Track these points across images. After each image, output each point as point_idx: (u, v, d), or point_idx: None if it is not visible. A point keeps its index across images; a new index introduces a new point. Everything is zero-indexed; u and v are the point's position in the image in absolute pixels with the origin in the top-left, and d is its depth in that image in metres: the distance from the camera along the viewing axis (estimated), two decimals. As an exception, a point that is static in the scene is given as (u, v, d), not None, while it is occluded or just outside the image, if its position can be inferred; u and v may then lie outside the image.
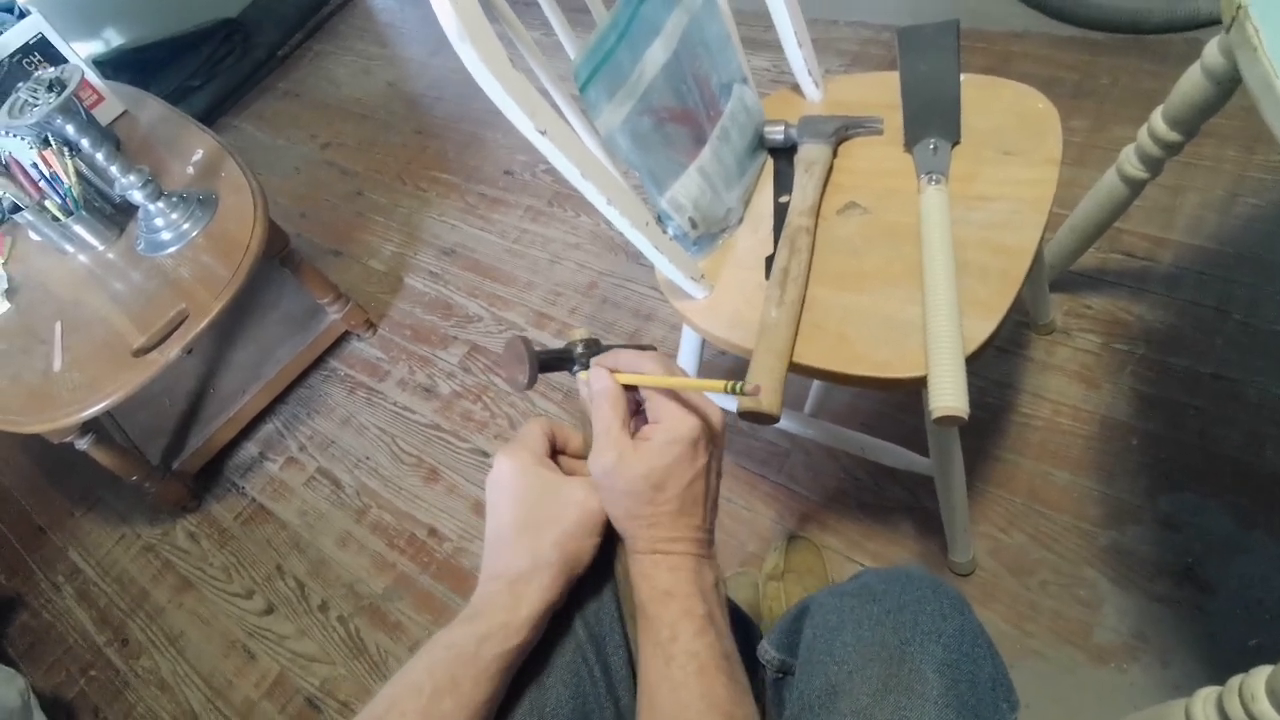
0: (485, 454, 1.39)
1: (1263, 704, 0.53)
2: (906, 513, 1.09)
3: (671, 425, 0.47)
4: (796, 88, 0.94)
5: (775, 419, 0.67)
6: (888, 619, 0.50)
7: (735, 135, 0.85)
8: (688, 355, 0.97)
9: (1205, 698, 0.62)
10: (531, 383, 0.51)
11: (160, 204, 1.25)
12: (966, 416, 0.62)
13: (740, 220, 0.87)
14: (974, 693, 0.46)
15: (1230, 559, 0.95)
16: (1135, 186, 0.96)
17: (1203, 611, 0.93)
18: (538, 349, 0.52)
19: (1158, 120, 0.87)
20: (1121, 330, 1.17)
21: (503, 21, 0.63)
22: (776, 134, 0.88)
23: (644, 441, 0.47)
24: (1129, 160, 0.93)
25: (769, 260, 0.79)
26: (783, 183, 0.88)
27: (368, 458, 1.45)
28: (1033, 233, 0.74)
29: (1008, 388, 1.16)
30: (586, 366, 0.53)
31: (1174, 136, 0.86)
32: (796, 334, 0.73)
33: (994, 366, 1.18)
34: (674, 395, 0.48)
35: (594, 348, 0.54)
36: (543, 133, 0.61)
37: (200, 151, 1.40)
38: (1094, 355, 1.15)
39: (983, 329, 0.68)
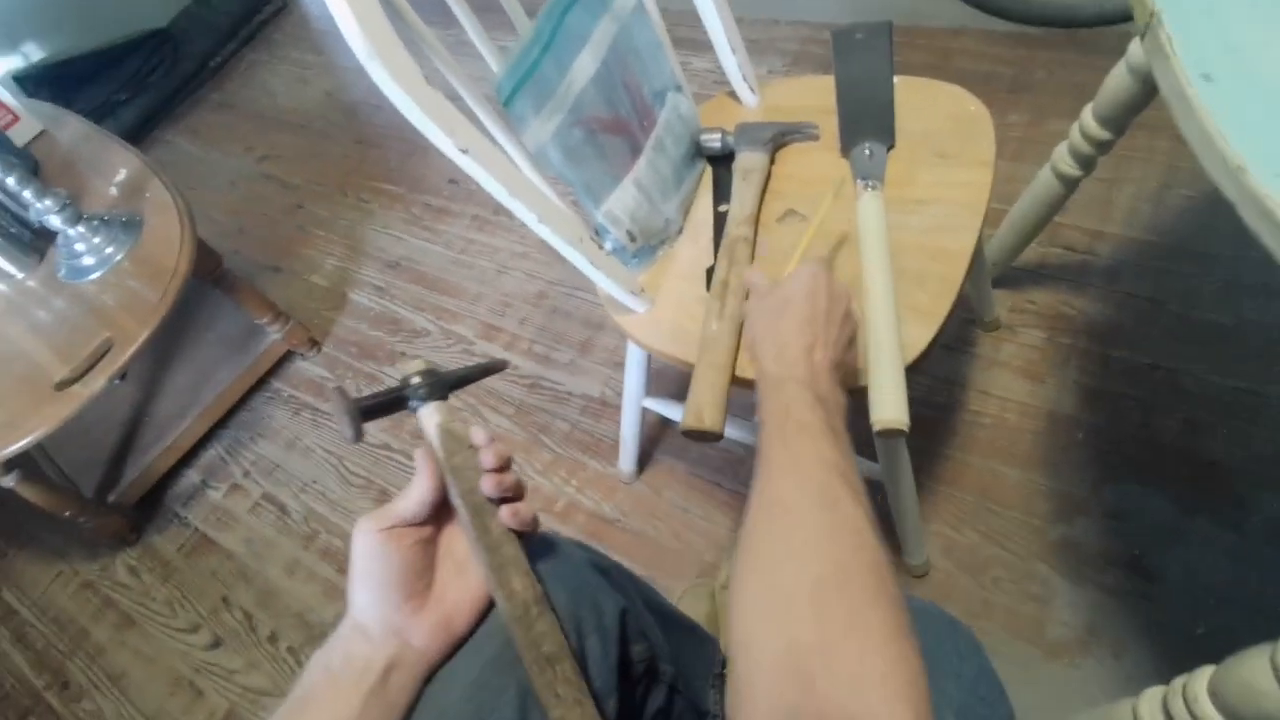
0: (437, 472, 1.35)
1: (1205, 705, 0.53)
2: (861, 515, 1.09)
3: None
4: (734, 94, 0.93)
5: (719, 437, 0.66)
6: None
7: (670, 145, 0.83)
8: (634, 367, 0.95)
9: (1150, 697, 0.62)
10: (358, 435, 0.49)
11: (80, 228, 1.20)
12: (907, 429, 0.61)
13: (680, 230, 0.85)
14: None
15: (1173, 546, 0.97)
16: (1070, 183, 0.96)
17: (1151, 601, 0.94)
18: (364, 396, 0.49)
19: (1088, 119, 0.88)
20: (1064, 324, 1.18)
21: (417, 37, 0.61)
22: (713, 142, 0.87)
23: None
24: (1063, 158, 0.94)
25: (710, 271, 0.78)
26: (722, 191, 0.87)
27: (315, 481, 1.40)
28: (969, 235, 0.73)
29: (955, 385, 1.17)
30: (426, 400, 0.51)
31: (1105, 135, 0.87)
32: (738, 346, 0.71)
33: (941, 364, 1.19)
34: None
35: (432, 378, 0.52)
36: (464, 151, 0.59)
37: (124, 171, 1.34)
38: (1038, 350, 1.17)
39: (922, 336, 0.68)
